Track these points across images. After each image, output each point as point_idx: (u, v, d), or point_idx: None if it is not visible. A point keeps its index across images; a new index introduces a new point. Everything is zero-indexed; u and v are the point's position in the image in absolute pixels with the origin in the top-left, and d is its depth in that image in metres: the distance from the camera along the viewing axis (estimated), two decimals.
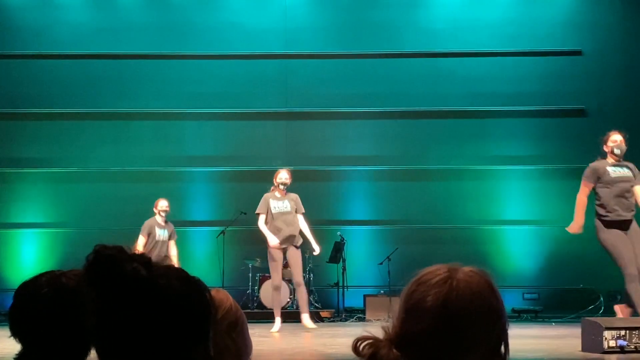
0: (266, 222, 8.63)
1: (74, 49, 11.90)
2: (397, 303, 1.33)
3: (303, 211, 8.83)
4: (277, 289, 8.64)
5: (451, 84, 11.95)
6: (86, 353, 1.80)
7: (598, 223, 6.92)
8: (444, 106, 11.95)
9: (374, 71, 12.11)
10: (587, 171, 7.07)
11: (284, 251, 8.59)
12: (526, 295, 11.43)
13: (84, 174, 11.81)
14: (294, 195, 8.84)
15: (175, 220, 11.61)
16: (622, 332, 4.89)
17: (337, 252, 10.75)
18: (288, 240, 8.57)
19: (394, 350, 1.22)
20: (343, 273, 10.54)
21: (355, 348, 1.25)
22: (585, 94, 11.83)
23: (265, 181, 11.89)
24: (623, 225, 6.77)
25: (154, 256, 8.64)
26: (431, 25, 12.13)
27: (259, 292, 10.55)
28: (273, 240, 8.40)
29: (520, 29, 12.07)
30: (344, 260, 10.70)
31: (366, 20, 12.16)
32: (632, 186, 6.88)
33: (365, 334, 1.27)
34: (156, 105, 11.90)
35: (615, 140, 7.05)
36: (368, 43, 12.16)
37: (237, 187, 11.94)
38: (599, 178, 6.94)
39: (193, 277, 1.27)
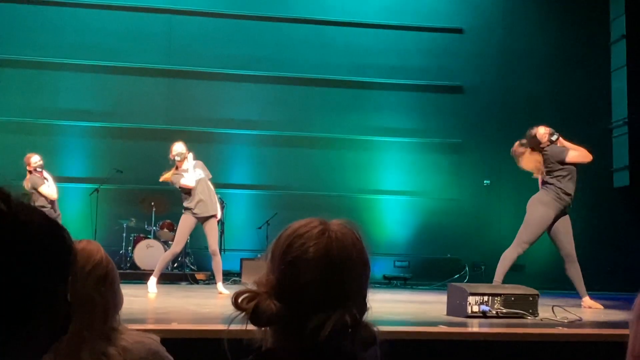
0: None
1: None
2: (267, 256, 1.34)
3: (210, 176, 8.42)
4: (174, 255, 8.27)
5: (337, 53, 12.06)
6: None
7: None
8: (329, 75, 12.04)
9: (262, 34, 12.00)
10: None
11: (201, 221, 8.02)
12: (397, 263, 11.82)
13: None
14: (198, 162, 8.24)
15: None
16: (485, 298, 5.15)
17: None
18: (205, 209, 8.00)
19: (275, 302, 1.24)
20: (221, 236, 10.47)
21: (235, 302, 1.26)
22: (464, 72, 12.27)
23: (143, 139, 11.62)
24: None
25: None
26: None
27: (132, 253, 10.32)
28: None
29: (406, 4, 12.33)
30: (222, 224, 10.64)
31: None
32: None
33: (243, 288, 1.29)
34: (31, 53, 11.26)
35: (546, 129, 7.13)
36: (257, 5, 12.02)
37: (114, 144, 11.56)
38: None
39: (49, 216, 1.22)
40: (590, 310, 6.46)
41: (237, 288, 1.33)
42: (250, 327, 1.27)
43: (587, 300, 6.75)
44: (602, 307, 6.60)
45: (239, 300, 1.26)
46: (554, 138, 7.01)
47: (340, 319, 1.23)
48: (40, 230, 1.15)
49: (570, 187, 6.85)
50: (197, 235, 10.95)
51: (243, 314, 1.26)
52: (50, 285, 1.17)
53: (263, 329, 1.28)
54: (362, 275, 1.31)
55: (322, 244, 1.27)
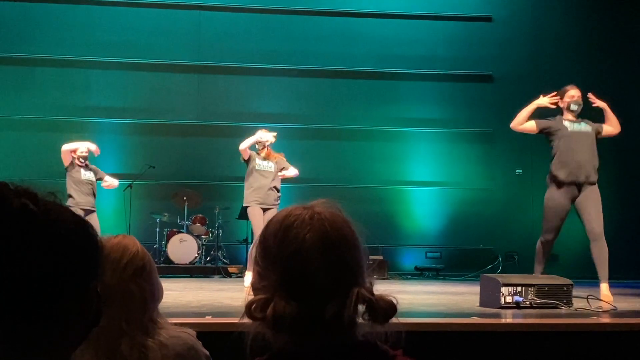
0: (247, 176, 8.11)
1: None
2: (258, 257, 1.29)
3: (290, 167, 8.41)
4: None
5: (364, 44, 12.03)
6: None
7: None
8: (356, 66, 12.03)
9: (289, 28, 12.02)
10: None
11: (264, 211, 8.09)
12: (429, 254, 11.79)
13: None
14: (279, 156, 8.30)
15: None
16: (519, 289, 5.12)
17: (246, 210, 10.71)
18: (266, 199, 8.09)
19: (289, 301, 1.19)
20: (252, 230, 10.53)
21: (250, 315, 1.21)
22: (493, 60, 12.16)
23: (174, 134, 11.73)
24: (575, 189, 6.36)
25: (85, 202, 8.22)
26: None
27: (166, 247, 10.44)
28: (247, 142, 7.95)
29: None
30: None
31: None
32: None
33: (250, 297, 1.24)
34: (62, 52, 11.42)
35: (573, 95, 6.42)
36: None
37: (146, 141, 11.69)
38: (554, 132, 6.40)
39: (76, 213, 1.25)
40: (625, 300, 6.35)
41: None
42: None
43: (603, 287, 6.06)
44: (612, 301, 5.47)
45: (252, 310, 1.21)
46: (572, 108, 6.39)
47: (358, 296, 1.20)
48: (69, 227, 1.17)
49: (568, 156, 6.28)
50: (229, 230, 11.05)
51: (260, 324, 1.21)
52: (80, 280, 1.19)
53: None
54: (360, 248, 1.28)
55: (316, 228, 1.24)
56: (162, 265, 10.21)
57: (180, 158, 11.55)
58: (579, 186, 6.38)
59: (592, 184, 6.42)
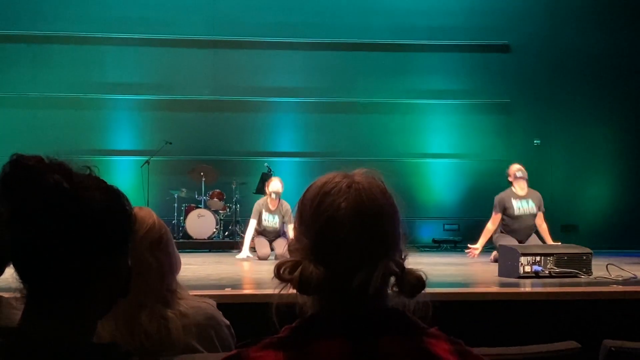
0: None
1: None
2: (296, 221, 1.31)
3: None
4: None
5: (379, 16, 11.90)
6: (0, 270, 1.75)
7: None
8: (372, 39, 11.92)
9: (304, 1, 11.91)
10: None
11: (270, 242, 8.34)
12: (446, 226, 11.76)
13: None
14: (286, 207, 8.40)
15: (98, 149, 11.34)
16: (537, 258, 5.10)
17: (263, 183, 10.73)
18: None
19: (318, 266, 1.21)
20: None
21: (278, 274, 1.23)
22: (510, 30, 12.00)
23: (190, 110, 11.73)
24: None
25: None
26: None
27: (184, 223, 10.49)
28: (244, 254, 8.01)
29: None
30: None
31: None
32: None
33: (282, 259, 1.26)
34: (77, 29, 11.42)
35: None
36: None
37: (162, 116, 11.70)
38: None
39: (112, 187, 1.25)
40: None
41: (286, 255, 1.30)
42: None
43: None
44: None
45: (281, 271, 1.23)
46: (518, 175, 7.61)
47: (386, 269, 1.22)
48: (100, 205, 1.18)
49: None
50: (246, 204, 11.07)
51: (288, 285, 1.23)
52: (110, 254, 1.20)
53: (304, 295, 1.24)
54: (396, 220, 1.29)
55: (352, 197, 1.25)
56: (180, 240, 10.27)
57: (196, 133, 11.56)
58: None
59: None
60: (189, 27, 11.68)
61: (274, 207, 8.36)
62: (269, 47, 11.88)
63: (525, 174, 7.62)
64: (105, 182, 1.23)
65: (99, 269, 1.19)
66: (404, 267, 1.25)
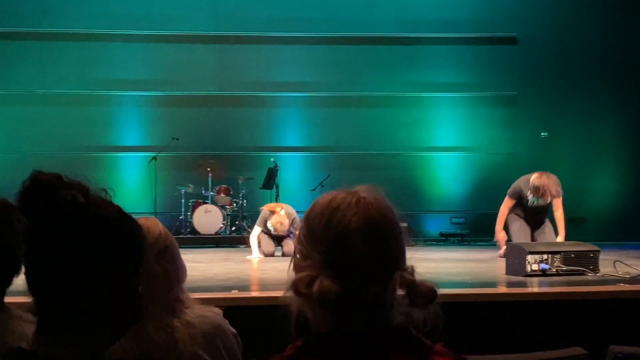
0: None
1: None
2: (302, 237, 1.31)
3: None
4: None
5: (385, 9, 11.87)
6: (9, 281, 1.77)
7: None
8: (377, 32, 11.88)
9: None
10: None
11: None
12: (453, 220, 11.75)
13: (7, 96, 11.36)
14: (292, 215, 8.17)
15: (105, 145, 11.37)
16: (545, 256, 5.08)
17: (270, 179, 10.78)
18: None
19: (334, 280, 1.22)
20: (276, 199, 10.57)
21: (297, 291, 1.24)
22: (517, 22, 11.94)
23: (196, 106, 11.74)
24: None
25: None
26: None
27: (192, 218, 10.52)
28: (254, 255, 7.74)
29: None
30: (277, 187, 10.75)
31: None
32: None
33: (299, 275, 1.26)
34: (83, 25, 11.43)
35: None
36: None
37: (168, 112, 11.72)
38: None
39: (125, 212, 1.27)
40: None
41: None
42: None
43: None
44: None
45: (299, 286, 1.23)
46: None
47: (401, 279, 1.24)
48: (115, 224, 1.21)
49: None
50: (253, 199, 11.09)
51: (304, 300, 1.24)
52: (122, 276, 1.22)
53: (318, 310, 1.25)
54: (402, 233, 1.31)
55: (362, 211, 1.26)
56: (188, 235, 10.31)
57: (203, 129, 11.57)
58: None
59: None
60: (195, 23, 11.68)
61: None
62: (275, 42, 11.86)
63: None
64: (118, 206, 1.26)
65: (111, 288, 1.20)
66: (415, 278, 1.27)
